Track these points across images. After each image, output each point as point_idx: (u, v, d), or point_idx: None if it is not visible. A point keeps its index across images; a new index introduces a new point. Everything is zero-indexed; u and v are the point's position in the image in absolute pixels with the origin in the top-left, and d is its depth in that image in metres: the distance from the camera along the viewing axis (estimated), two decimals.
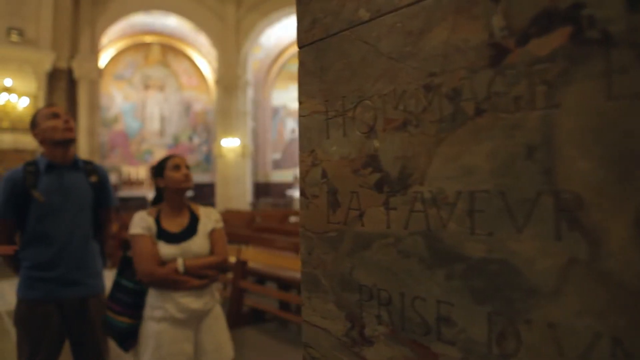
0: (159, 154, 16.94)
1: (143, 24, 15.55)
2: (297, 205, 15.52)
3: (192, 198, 15.27)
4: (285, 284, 5.16)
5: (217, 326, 2.16)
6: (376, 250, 0.58)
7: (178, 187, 2.12)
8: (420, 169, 0.53)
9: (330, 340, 0.64)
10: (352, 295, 0.61)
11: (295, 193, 16.67)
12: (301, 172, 0.69)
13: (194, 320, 2.06)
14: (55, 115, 2.19)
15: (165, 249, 2.05)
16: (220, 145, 15.22)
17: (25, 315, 2.11)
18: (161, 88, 17.15)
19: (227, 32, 14.85)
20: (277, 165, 18.28)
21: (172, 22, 15.64)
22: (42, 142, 2.20)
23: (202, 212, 2.23)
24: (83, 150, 12.12)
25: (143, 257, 2.01)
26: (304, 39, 0.69)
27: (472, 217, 0.48)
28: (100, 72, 13.24)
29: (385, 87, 0.57)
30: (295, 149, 18.28)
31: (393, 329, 0.56)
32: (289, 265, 4.62)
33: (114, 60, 16.12)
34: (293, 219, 10.29)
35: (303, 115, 0.69)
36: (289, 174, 17.84)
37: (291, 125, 18.29)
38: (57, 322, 2.12)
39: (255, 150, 17.24)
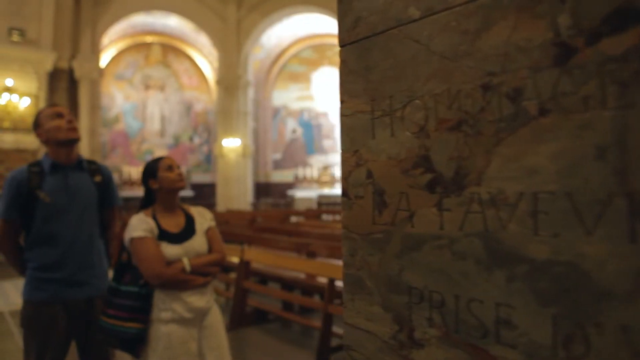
0: (159, 154, 16.89)
1: (144, 24, 15.53)
2: (298, 206, 15.50)
3: (193, 198, 15.28)
4: (288, 285, 5.16)
5: (218, 324, 2.19)
6: (428, 251, 0.57)
7: (173, 187, 2.13)
8: (477, 169, 0.52)
9: (375, 343, 0.63)
10: (400, 297, 0.60)
11: (297, 193, 16.65)
12: (344, 173, 0.68)
13: (199, 319, 2.08)
14: (59, 115, 2.17)
15: (170, 250, 2.05)
16: (221, 145, 15.21)
17: (32, 316, 2.09)
18: (162, 88, 17.13)
19: (228, 32, 14.84)
20: (278, 165, 18.28)
21: (172, 22, 15.63)
22: (46, 142, 2.18)
23: (195, 211, 2.25)
24: (84, 150, 12.09)
25: (150, 259, 2.01)
26: (346, 38, 0.68)
27: (535, 218, 0.48)
28: (101, 72, 13.22)
29: (437, 87, 0.56)
30: (296, 150, 18.27)
31: (446, 331, 0.55)
32: (293, 266, 4.61)
33: (114, 60, 16.10)
34: (294, 219, 10.31)
35: (345, 115, 0.68)
36: (290, 174, 17.83)
37: (292, 126, 18.28)
38: (63, 323, 2.11)
39: (256, 150, 17.23)
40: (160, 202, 2.16)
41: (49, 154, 2.19)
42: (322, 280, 4.57)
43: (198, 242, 2.13)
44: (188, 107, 17.61)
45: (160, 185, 2.13)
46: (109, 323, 2.00)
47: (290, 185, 17.59)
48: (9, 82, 10.42)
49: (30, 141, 10.70)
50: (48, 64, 11.11)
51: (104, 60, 15.03)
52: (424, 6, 0.57)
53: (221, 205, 14.66)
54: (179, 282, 2.02)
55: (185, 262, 2.04)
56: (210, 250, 2.18)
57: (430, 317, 0.57)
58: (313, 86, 17.81)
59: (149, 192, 2.20)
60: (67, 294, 2.12)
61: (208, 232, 2.21)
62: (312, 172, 17.57)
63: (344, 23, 0.68)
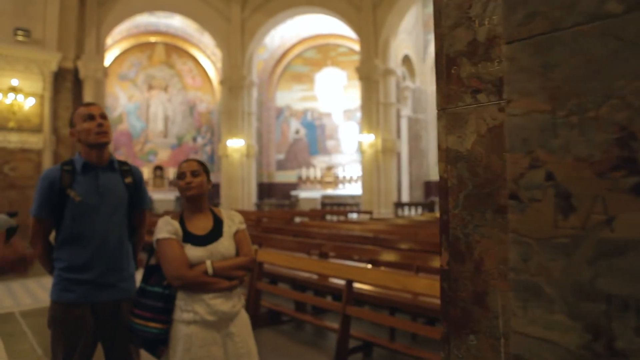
0: (162, 155, 16.89)
1: (147, 24, 15.50)
2: (302, 206, 15.47)
3: None
4: (300, 285, 5.14)
5: (247, 330, 2.18)
6: (634, 258, 0.54)
7: (183, 195, 2.16)
8: None
9: (558, 353, 0.60)
10: (594, 305, 0.58)
11: (301, 194, 16.63)
12: (513, 175, 0.65)
13: (223, 323, 2.06)
14: (91, 117, 2.17)
15: (193, 252, 2.06)
16: (225, 146, 15.18)
17: (60, 317, 2.09)
18: (165, 88, 17.09)
19: (232, 32, 14.80)
20: (281, 165, 18.26)
21: (176, 22, 15.60)
22: (79, 142, 2.20)
23: (225, 214, 2.25)
24: None
25: (172, 260, 2.02)
26: (515, 34, 0.65)
27: None
28: (105, 72, 13.19)
29: None
30: (299, 150, 18.25)
31: None
32: (309, 268, 4.60)
33: (118, 60, 16.05)
34: (298, 219, 10.30)
35: (515, 115, 0.65)
36: (293, 174, 17.83)
37: (295, 126, 18.27)
38: (91, 324, 2.12)
39: (259, 150, 17.23)
40: (187, 205, 2.18)
41: (81, 153, 2.20)
42: (335, 281, 4.55)
43: (224, 245, 2.13)
44: (191, 108, 17.57)
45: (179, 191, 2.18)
46: (135, 322, 2.03)
47: (293, 186, 17.58)
48: (14, 82, 10.37)
49: (35, 141, 10.66)
50: (53, 64, 11.07)
51: (108, 60, 14.98)
52: (631, 0, 0.55)
53: (225, 206, 14.63)
54: (201, 284, 2.01)
55: (208, 264, 2.04)
56: (238, 253, 2.17)
57: (637, 326, 0.54)
58: (316, 86, 17.81)
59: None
60: (95, 296, 2.12)
61: (237, 235, 2.20)
62: (316, 172, 17.56)
63: (513, 18, 0.65)
